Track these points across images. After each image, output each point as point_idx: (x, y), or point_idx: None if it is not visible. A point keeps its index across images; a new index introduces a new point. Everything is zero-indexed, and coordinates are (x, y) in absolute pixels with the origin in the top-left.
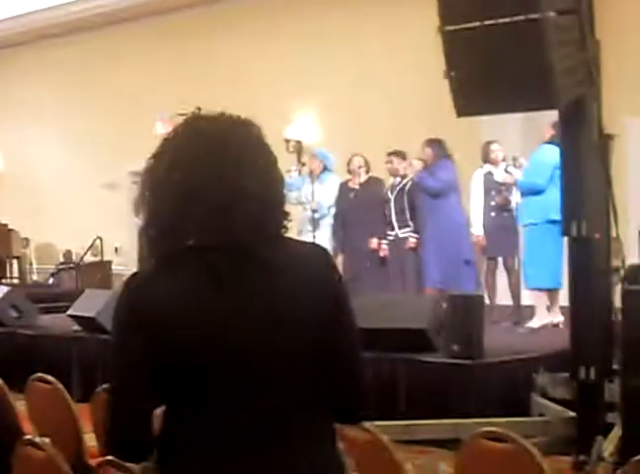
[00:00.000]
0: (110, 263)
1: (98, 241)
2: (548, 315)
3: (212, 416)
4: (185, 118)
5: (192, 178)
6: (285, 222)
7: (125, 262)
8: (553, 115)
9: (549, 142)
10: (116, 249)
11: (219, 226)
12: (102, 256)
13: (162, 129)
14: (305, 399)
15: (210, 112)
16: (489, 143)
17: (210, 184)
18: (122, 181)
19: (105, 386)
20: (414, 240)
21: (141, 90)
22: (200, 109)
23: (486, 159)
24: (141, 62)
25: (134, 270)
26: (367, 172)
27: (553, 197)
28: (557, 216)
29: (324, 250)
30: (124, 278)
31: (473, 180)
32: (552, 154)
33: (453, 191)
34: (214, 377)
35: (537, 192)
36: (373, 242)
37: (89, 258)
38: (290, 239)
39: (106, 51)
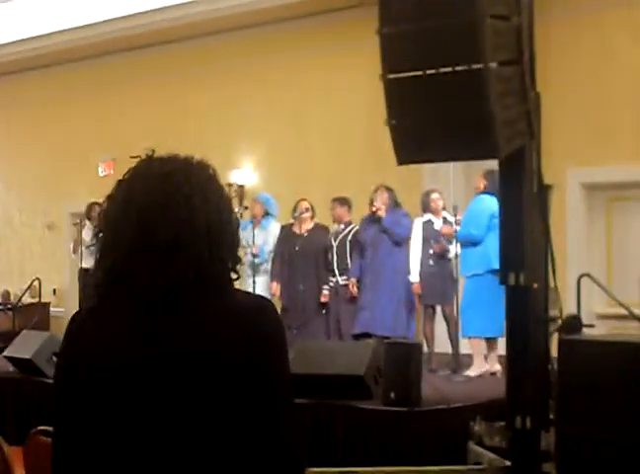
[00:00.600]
0: (48, 305)
1: (36, 282)
2: (486, 364)
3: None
4: (139, 159)
5: (144, 217)
6: (236, 265)
7: (64, 304)
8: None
9: (484, 192)
10: (54, 291)
11: (161, 268)
12: (40, 298)
13: (104, 172)
14: (217, 464)
15: (164, 154)
16: (429, 192)
17: (161, 223)
18: (62, 222)
19: (39, 428)
20: (353, 285)
21: (84, 132)
22: (153, 151)
23: (426, 208)
24: (85, 104)
25: (73, 312)
26: (313, 217)
27: (493, 246)
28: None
29: (265, 306)
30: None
31: (413, 228)
32: (488, 203)
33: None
34: (117, 427)
35: (475, 242)
36: (323, 289)
37: (27, 299)
38: (236, 290)
39: (48, 92)
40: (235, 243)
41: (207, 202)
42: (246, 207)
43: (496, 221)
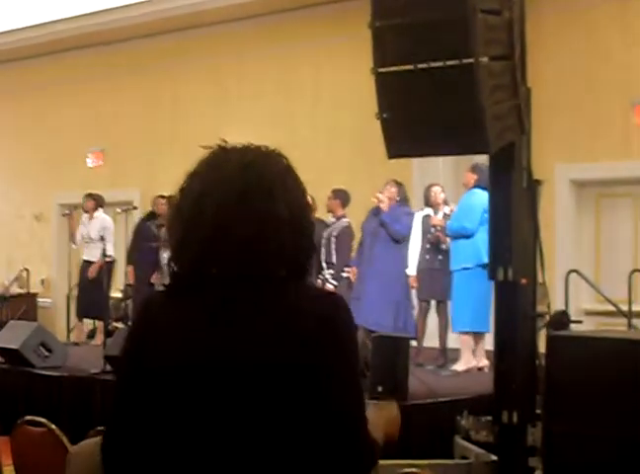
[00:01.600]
0: (36, 295)
1: (24, 273)
2: (474, 359)
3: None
4: (211, 150)
5: (222, 209)
6: (313, 254)
7: (52, 294)
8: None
9: (475, 186)
10: (42, 281)
11: (246, 257)
12: (28, 288)
13: (93, 163)
14: (277, 454)
15: (237, 143)
16: (430, 186)
17: (242, 214)
18: (51, 213)
19: (26, 419)
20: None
21: (73, 122)
22: (225, 141)
23: (427, 202)
24: (74, 95)
25: (61, 302)
26: (314, 211)
27: (484, 240)
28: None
29: (334, 302)
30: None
31: (413, 222)
32: (480, 197)
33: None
34: (178, 413)
35: (467, 235)
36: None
37: (15, 289)
38: (305, 285)
39: (36, 82)
40: (313, 232)
41: (287, 192)
42: None
43: (486, 216)
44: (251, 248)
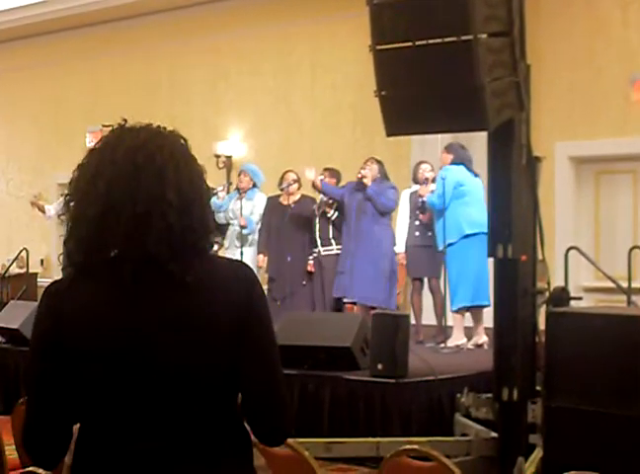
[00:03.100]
0: (35, 275)
1: (24, 253)
2: (464, 337)
3: (112, 434)
4: (110, 128)
5: (113, 189)
6: (211, 236)
7: (51, 274)
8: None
9: (453, 163)
10: (41, 261)
11: (134, 238)
12: (27, 268)
13: (92, 142)
14: (213, 420)
15: (137, 123)
16: (420, 163)
17: (131, 194)
18: (50, 193)
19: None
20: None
21: (72, 102)
22: (125, 120)
23: (415, 179)
24: (73, 74)
25: None
26: (299, 188)
27: (463, 213)
28: (471, 230)
29: (246, 269)
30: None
31: (401, 199)
32: (453, 174)
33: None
34: (113, 392)
35: (438, 210)
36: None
37: (14, 270)
38: (213, 256)
39: (35, 62)
40: (207, 213)
41: (179, 174)
42: (231, 183)
43: (463, 189)
44: (138, 229)
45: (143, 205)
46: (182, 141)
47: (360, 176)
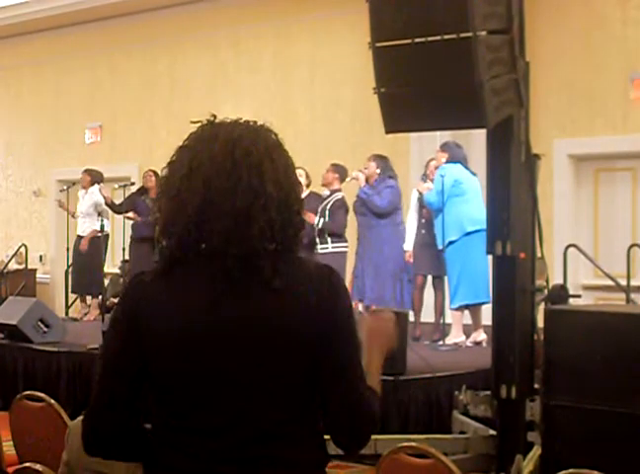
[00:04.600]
0: (34, 271)
1: (23, 249)
2: (463, 335)
3: (182, 432)
4: (200, 124)
5: (212, 184)
6: (303, 229)
7: (50, 270)
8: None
9: (448, 162)
10: (40, 257)
11: (235, 233)
12: (26, 264)
13: (90, 138)
14: (285, 429)
15: (225, 119)
16: (430, 160)
17: (230, 189)
18: (49, 189)
19: (25, 393)
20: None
21: (71, 98)
22: (214, 116)
23: (425, 175)
24: (72, 70)
25: (60, 278)
26: (309, 185)
27: (463, 211)
28: (472, 227)
29: (333, 278)
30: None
31: (411, 197)
32: (449, 172)
33: (397, 210)
34: (186, 385)
35: (435, 209)
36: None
37: (13, 265)
38: (301, 258)
39: (35, 58)
40: (302, 208)
41: (276, 168)
42: None
43: (462, 187)
44: (239, 224)
45: (244, 200)
46: (273, 135)
47: (349, 178)
